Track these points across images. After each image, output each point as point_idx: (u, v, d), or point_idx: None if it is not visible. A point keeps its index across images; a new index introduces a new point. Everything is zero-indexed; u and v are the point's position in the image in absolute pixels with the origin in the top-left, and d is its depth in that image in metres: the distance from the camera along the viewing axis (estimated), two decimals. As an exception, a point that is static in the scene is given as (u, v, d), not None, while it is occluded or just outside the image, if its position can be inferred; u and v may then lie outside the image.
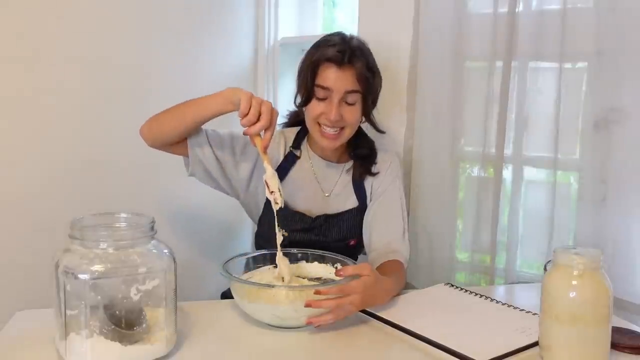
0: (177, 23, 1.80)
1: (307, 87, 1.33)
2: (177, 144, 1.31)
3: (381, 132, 1.46)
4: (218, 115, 1.24)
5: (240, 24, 2.03)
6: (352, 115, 1.34)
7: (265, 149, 1.17)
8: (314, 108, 1.33)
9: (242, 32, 2.04)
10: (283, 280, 1.18)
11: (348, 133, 1.37)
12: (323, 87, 1.31)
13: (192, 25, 1.85)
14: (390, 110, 1.70)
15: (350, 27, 2.04)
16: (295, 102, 1.43)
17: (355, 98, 1.33)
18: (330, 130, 1.34)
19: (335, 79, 1.30)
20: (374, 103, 1.40)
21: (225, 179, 1.36)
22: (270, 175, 1.19)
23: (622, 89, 1.34)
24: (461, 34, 1.56)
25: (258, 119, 1.15)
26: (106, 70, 1.61)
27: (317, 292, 1.04)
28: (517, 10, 1.46)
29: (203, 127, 1.32)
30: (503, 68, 1.50)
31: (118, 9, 1.63)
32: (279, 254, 1.19)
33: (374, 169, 1.44)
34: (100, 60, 1.60)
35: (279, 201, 1.18)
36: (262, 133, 1.17)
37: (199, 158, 1.32)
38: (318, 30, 2.17)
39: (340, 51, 1.30)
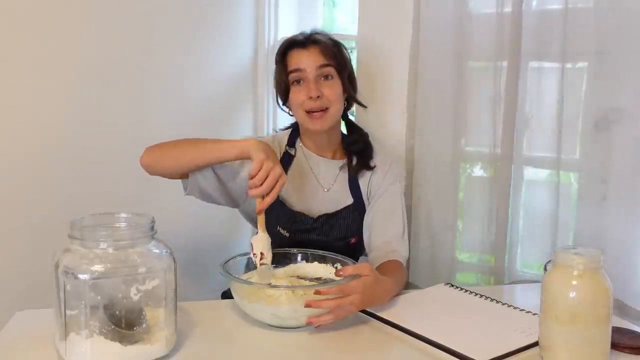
0: (177, 23, 1.80)
1: (282, 79, 1.38)
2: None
3: (364, 106, 1.49)
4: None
5: (240, 24, 2.03)
6: (332, 90, 1.36)
7: (260, 212, 1.18)
8: (295, 95, 1.37)
9: (242, 32, 2.04)
10: (261, 258, 1.17)
11: (334, 111, 1.38)
12: (295, 71, 1.36)
13: (192, 25, 1.85)
14: (390, 110, 1.70)
15: (350, 27, 2.04)
16: (278, 104, 1.47)
17: (330, 71, 1.37)
18: (315, 111, 1.36)
19: (304, 58, 1.35)
20: (351, 82, 1.43)
21: (224, 194, 1.35)
22: (258, 238, 1.18)
23: (622, 89, 1.34)
24: (462, 34, 1.56)
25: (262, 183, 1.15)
26: (106, 70, 1.61)
27: (316, 292, 1.04)
28: (518, 10, 1.46)
29: None
30: (507, 68, 1.50)
31: (118, 9, 1.63)
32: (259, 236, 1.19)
33: (371, 163, 1.44)
34: (100, 60, 1.60)
35: (257, 263, 1.17)
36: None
37: (200, 184, 1.31)
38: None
39: (302, 35, 1.39)
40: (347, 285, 1.07)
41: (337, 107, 1.38)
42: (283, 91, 1.40)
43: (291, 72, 1.37)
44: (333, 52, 1.37)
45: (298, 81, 1.37)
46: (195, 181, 1.30)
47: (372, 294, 1.11)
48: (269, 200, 1.16)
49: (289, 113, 1.47)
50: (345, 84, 1.40)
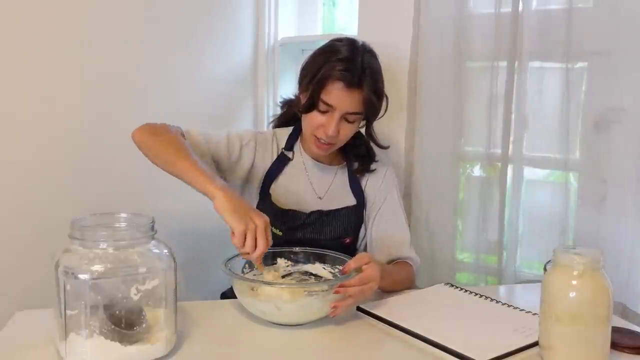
0: (177, 23, 1.80)
1: (313, 98, 1.29)
2: None
3: (383, 147, 1.46)
4: None
5: (240, 24, 2.03)
6: (349, 131, 1.34)
7: (261, 264, 1.15)
8: (314, 119, 1.31)
9: (242, 32, 2.04)
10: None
11: (340, 145, 1.37)
12: (327, 103, 1.28)
13: (192, 25, 1.85)
14: (390, 110, 1.70)
15: (350, 27, 2.04)
16: (295, 106, 1.42)
17: (356, 117, 1.32)
18: (324, 141, 1.34)
19: (341, 98, 1.27)
20: (375, 115, 1.38)
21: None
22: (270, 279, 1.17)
23: (622, 89, 1.34)
24: (462, 34, 1.56)
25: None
26: (106, 71, 1.61)
27: (341, 286, 1.08)
28: (518, 10, 1.46)
29: (199, 132, 1.33)
30: (507, 68, 1.50)
31: (118, 10, 1.63)
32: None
33: (372, 167, 1.45)
34: (100, 60, 1.60)
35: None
36: None
37: None
38: (318, 30, 2.17)
39: (351, 71, 1.26)
40: (365, 274, 1.10)
41: (343, 143, 1.37)
42: (308, 104, 1.31)
43: (322, 100, 1.28)
44: (371, 102, 1.30)
45: (323, 110, 1.30)
46: None
47: (382, 274, 1.14)
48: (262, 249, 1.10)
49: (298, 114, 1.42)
50: (368, 128, 1.39)
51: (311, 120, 1.32)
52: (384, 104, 1.37)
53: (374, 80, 1.30)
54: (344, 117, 1.30)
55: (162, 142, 1.21)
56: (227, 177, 1.37)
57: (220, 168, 1.35)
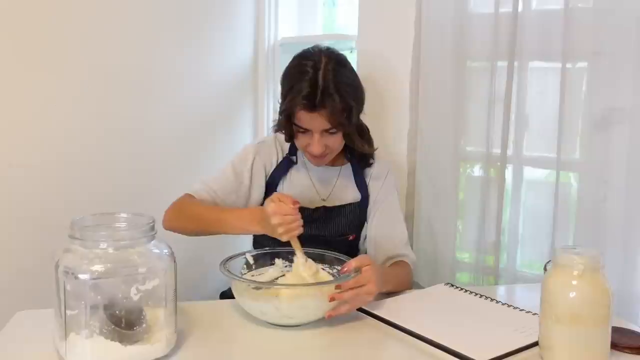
0: (177, 23, 1.80)
1: (288, 126, 1.32)
2: None
3: (368, 152, 1.44)
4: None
5: (240, 24, 2.03)
6: (337, 142, 1.34)
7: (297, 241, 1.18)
8: (299, 140, 1.34)
9: (242, 32, 2.04)
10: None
11: (334, 153, 1.38)
12: (301, 128, 1.30)
13: (193, 25, 1.85)
14: (392, 110, 1.70)
15: (350, 27, 2.04)
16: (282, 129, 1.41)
17: (335, 131, 1.31)
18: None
19: (309, 121, 1.28)
20: (359, 112, 1.36)
21: None
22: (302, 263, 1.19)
23: (622, 89, 1.34)
24: (462, 34, 1.57)
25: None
26: (107, 71, 1.61)
27: (337, 287, 1.07)
28: (517, 10, 1.46)
29: (205, 185, 1.37)
30: (507, 68, 1.50)
31: (118, 10, 1.63)
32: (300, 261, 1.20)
33: (374, 165, 1.46)
34: (101, 60, 1.60)
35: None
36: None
37: None
38: (318, 30, 2.18)
39: (308, 96, 1.25)
40: (362, 276, 1.10)
41: (337, 151, 1.38)
42: (287, 132, 1.35)
43: (296, 125, 1.31)
44: (340, 117, 1.28)
45: (303, 131, 1.32)
46: None
47: (383, 279, 1.14)
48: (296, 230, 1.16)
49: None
50: (349, 135, 1.36)
51: (297, 142, 1.35)
52: (357, 106, 1.33)
53: (338, 93, 1.26)
54: (324, 132, 1.30)
55: (187, 218, 1.32)
56: (248, 201, 1.40)
57: (238, 202, 1.39)
